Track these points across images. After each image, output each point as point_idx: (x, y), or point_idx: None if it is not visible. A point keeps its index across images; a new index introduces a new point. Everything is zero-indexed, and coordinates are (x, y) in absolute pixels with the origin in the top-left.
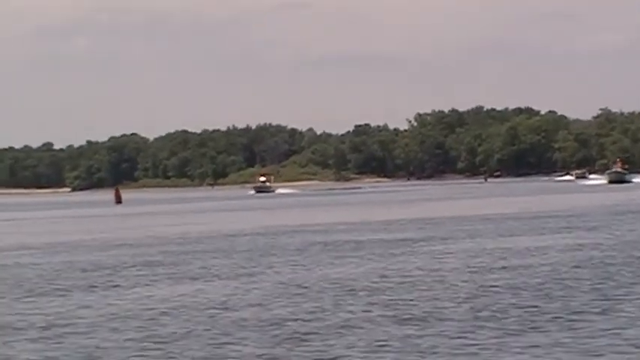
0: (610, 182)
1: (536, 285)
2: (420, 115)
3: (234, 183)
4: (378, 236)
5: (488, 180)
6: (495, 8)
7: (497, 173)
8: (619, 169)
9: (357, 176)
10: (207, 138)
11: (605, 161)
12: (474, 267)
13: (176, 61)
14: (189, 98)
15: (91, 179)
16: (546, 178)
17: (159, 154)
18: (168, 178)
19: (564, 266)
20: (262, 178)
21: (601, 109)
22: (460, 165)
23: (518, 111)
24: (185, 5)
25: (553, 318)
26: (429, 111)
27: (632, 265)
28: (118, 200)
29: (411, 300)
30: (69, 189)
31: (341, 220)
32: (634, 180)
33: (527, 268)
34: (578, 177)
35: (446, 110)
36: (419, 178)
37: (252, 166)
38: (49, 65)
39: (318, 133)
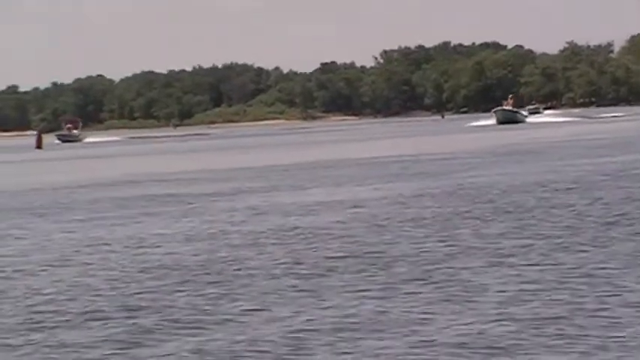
0: (499, 123)
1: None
2: (386, 52)
3: (201, 123)
4: (189, 190)
5: (445, 117)
6: None
7: (464, 109)
8: (507, 108)
9: (323, 114)
10: (173, 78)
11: (571, 95)
12: (229, 230)
13: (140, 3)
14: (155, 39)
15: (56, 122)
16: None
17: (125, 95)
18: (134, 119)
19: (332, 226)
20: (68, 126)
21: (567, 43)
22: (427, 101)
23: (485, 46)
24: None
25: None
26: (395, 47)
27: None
28: (38, 145)
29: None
30: (34, 132)
31: (149, 170)
32: (528, 120)
33: (276, 231)
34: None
35: (412, 47)
36: (386, 116)
37: (219, 106)
38: (14, 9)
39: (285, 71)
